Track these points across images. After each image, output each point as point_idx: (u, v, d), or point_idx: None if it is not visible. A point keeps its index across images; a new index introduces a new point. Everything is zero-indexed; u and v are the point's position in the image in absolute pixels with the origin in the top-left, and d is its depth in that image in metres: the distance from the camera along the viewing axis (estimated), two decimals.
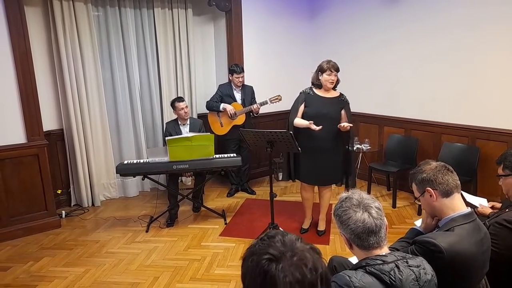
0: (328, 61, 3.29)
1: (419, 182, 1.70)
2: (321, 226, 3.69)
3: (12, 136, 3.61)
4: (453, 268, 1.48)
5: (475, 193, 3.68)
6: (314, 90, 3.40)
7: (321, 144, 3.31)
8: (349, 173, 3.62)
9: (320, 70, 3.32)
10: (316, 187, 3.63)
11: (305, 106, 3.38)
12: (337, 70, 3.32)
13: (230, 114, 4.41)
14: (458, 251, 1.48)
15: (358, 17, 4.94)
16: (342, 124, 3.22)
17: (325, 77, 3.29)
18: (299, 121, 3.35)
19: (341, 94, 3.42)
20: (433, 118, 4.30)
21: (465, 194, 2.77)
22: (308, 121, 3.26)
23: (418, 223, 1.92)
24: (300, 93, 3.47)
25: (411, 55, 4.41)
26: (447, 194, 1.63)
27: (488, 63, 3.75)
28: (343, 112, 3.39)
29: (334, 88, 3.41)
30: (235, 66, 4.50)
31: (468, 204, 2.00)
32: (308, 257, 1.00)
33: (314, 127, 3.19)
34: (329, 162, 3.39)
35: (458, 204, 1.63)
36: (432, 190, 1.64)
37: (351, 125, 3.26)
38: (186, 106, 4.12)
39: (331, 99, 3.36)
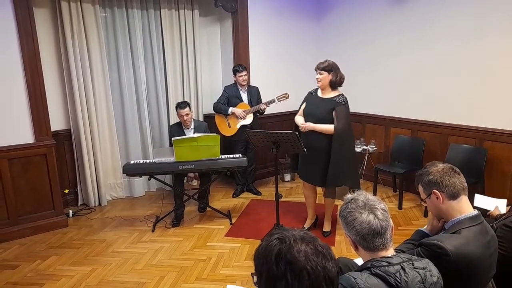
0: (320, 62, 3.33)
1: (425, 184, 1.68)
2: (327, 227, 3.68)
3: (21, 136, 3.66)
4: (459, 270, 1.47)
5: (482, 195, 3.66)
6: (318, 90, 3.44)
7: (311, 143, 3.30)
8: (335, 182, 3.36)
9: None
10: (319, 188, 3.63)
11: (305, 105, 3.48)
12: (324, 69, 3.27)
13: (241, 117, 4.42)
14: (465, 254, 1.47)
15: (365, 18, 4.92)
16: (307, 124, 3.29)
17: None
18: (297, 119, 3.48)
19: (337, 96, 3.31)
20: (440, 119, 4.27)
21: (481, 196, 2.75)
22: (305, 120, 3.37)
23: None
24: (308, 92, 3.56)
25: (418, 57, 4.39)
26: (454, 196, 1.61)
27: (496, 64, 3.72)
28: (334, 112, 3.27)
29: (334, 88, 3.35)
30: (237, 66, 4.54)
31: (475, 206, 1.98)
32: (316, 238, 1.08)
33: (300, 128, 3.33)
34: (317, 162, 3.37)
35: (465, 206, 1.62)
36: (438, 193, 1.63)
37: (306, 124, 3.27)
38: (187, 114, 4.04)
39: (324, 99, 3.34)
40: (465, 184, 1.64)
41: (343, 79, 3.35)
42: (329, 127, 3.24)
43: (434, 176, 1.65)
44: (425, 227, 1.86)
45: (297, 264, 0.99)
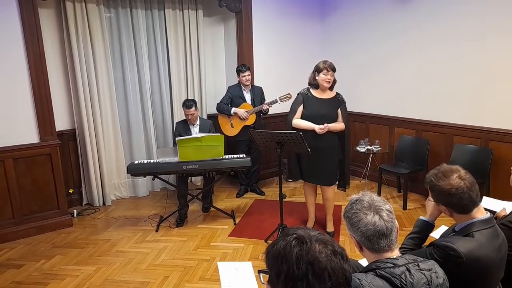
0: (325, 61, 3.33)
1: (435, 194, 1.61)
2: (329, 227, 3.67)
3: (26, 136, 3.67)
4: (471, 274, 1.45)
5: (487, 196, 3.63)
6: (311, 91, 3.43)
7: (318, 143, 3.27)
8: (342, 175, 3.61)
9: (317, 70, 3.36)
10: (318, 188, 3.65)
11: (303, 107, 3.42)
12: (334, 69, 3.34)
13: (243, 117, 4.42)
14: (478, 258, 1.45)
15: (370, 19, 4.90)
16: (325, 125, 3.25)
17: (321, 77, 3.31)
18: (302, 123, 3.37)
19: (337, 94, 3.44)
20: (445, 119, 4.25)
21: (489, 199, 2.73)
22: (313, 122, 3.34)
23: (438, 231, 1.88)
24: (298, 94, 3.51)
25: (423, 57, 4.37)
26: (463, 212, 1.57)
27: (502, 64, 3.69)
28: (339, 111, 3.41)
29: (330, 89, 3.42)
30: (241, 66, 4.55)
31: (486, 209, 1.96)
32: (332, 238, 1.07)
33: (320, 131, 3.25)
34: (325, 162, 3.40)
35: (475, 214, 1.57)
36: (447, 209, 1.59)
37: (326, 126, 3.25)
38: (193, 114, 4.05)
39: (329, 100, 3.38)
40: (478, 199, 1.56)
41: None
42: (341, 126, 3.37)
43: (444, 195, 1.55)
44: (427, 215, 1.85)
45: (319, 265, 0.98)
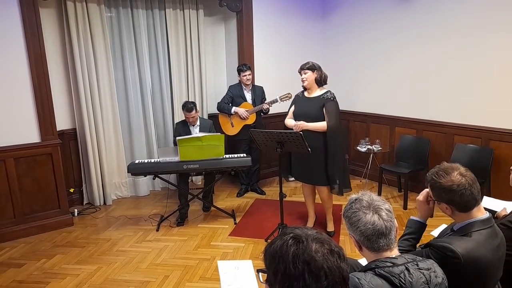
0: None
1: (436, 192, 1.60)
2: (330, 227, 3.68)
3: (27, 136, 3.68)
4: (469, 274, 1.45)
5: (488, 196, 3.62)
6: (304, 92, 3.50)
7: (307, 142, 3.23)
8: (335, 179, 3.36)
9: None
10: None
11: (294, 108, 3.52)
12: (308, 68, 3.36)
13: (243, 117, 4.43)
14: (476, 258, 1.45)
15: (370, 18, 4.90)
16: (297, 122, 3.31)
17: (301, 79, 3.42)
18: (289, 122, 3.51)
19: (325, 92, 3.37)
20: (446, 119, 4.25)
21: (489, 198, 2.73)
22: (295, 121, 3.40)
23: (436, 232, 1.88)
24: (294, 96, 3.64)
25: (423, 56, 4.36)
26: (464, 210, 1.55)
27: (502, 64, 3.69)
28: (324, 109, 3.31)
29: (319, 85, 3.41)
30: (242, 65, 4.55)
31: (486, 208, 1.96)
32: (329, 237, 1.07)
33: (294, 127, 3.32)
34: (313, 162, 3.37)
35: (476, 214, 1.56)
36: (448, 206, 1.58)
37: (299, 123, 3.28)
38: (193, 116, 4.05)
39: (314, 98, 3.39)
40: (479, 196, 1.55)
41: (327, 77, 3.45)
42: (321, 125, 3.29)
43: (445, 192, 1.55)
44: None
45: (315, 264, 0.98)
